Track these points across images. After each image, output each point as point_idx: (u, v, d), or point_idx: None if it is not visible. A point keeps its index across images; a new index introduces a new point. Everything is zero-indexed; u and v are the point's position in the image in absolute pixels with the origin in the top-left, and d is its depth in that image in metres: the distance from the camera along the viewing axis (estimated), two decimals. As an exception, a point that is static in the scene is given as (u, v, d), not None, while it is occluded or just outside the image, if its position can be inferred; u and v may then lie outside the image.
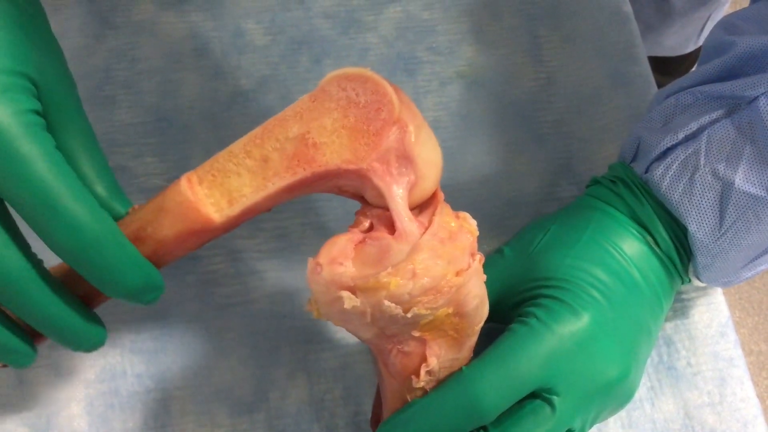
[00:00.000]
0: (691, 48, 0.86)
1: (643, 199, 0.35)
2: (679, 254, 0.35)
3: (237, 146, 0.29)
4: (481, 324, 0.30)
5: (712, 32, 0.37)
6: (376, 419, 0.34)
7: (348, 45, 0.45)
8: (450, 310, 0.28)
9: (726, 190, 0.33)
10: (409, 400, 0.30)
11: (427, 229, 0.28)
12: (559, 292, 0.32)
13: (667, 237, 0.34)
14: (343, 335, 0.38)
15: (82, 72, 0.43)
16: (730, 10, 1.06)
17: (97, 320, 0.29)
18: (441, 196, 0.29)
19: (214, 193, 0.29)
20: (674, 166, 0.34)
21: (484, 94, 0.44)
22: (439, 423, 0.29)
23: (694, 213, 0.33)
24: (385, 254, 0.27)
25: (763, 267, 0.35)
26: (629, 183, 0.35)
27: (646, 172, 0.35)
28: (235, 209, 0.29)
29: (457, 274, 0.27)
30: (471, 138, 0.43)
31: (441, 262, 0.27)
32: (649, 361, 0.38)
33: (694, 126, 0.34)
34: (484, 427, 0.30)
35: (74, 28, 0.44)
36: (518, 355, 0.30)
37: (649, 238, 0.35)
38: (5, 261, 0.26)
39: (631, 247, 0.34)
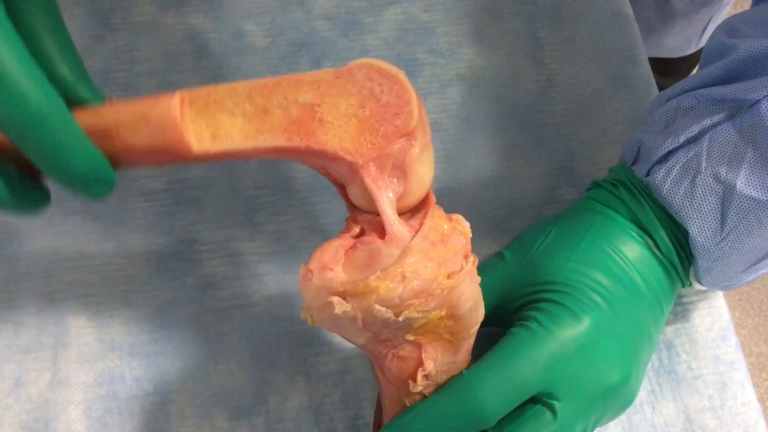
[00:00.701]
0: (692, 49, 0.85)
1: (644, 203, 0.35)
2: (680, 258, 0.35)
3: (242, 86, 0.27)
4: (477, 326, 0.30)
5: (713, 35, 0.37)
6: (377, 424, 0.34)
7: (348, 47, 0.45)
8: (443, 313, 0.28)
9: (727, 193, 0.32)
10: (408, 404, 0.30)
11: (417, 232, 0.27)
12: (560, 296, 0.32)
13: (668, 240, 0.34)
14: (343, 339, 0.38)
15: (81, 74, 0.43)
16: (732, 12, 1.06)
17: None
18: (432, 199, 0.29)
19: (201, 121, 0.27)
20: (675, 170, 0.34)
21: (485, 96, 0.44)
22: (440, 427, 0.29)
23: (695, 216, 0.33)
24: (376, 258, 0.27)
25: (764, 271, 0.35)
26: (630, 186, 0.35)
27: (647, 175, 0.35)
28: (216, 147, 0.27)
29: (449, 276, 0.27)
30: (471, 140, 0.43)
31: (431, 265, 0.27)
32: (649, 364, 0.38)
33: (695, 129, 0.34)
34: None
35: (73, 29, 0.44)
36: (519, 360, 0.30)
37: (650, 241, 0.34)
38: (36, 91, 0.24)
39: (632, 250, 0.34)
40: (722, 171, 0.32)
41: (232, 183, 0.41)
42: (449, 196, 0.41)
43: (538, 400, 0.30)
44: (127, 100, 0.27)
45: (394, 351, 0.29)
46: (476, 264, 0.29)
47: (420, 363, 0.29)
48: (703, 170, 0.33)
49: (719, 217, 0.33)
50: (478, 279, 0.29)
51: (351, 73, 0.28)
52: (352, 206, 0.29)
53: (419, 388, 0.29)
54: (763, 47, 0.33)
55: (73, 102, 0.27)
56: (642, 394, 0.38)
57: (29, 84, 0.24)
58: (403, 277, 0.26)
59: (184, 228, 0.40)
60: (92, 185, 0.26)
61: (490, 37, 0.45)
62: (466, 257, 0.28)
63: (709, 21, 0.78)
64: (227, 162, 0.41)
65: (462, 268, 0.28)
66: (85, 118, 0.26)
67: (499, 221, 0.41)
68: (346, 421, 0.37)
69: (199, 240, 0.40)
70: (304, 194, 0.41)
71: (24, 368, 0.37)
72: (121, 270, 0.39)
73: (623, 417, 0.37)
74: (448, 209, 0.31)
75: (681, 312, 0.40)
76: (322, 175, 0.30)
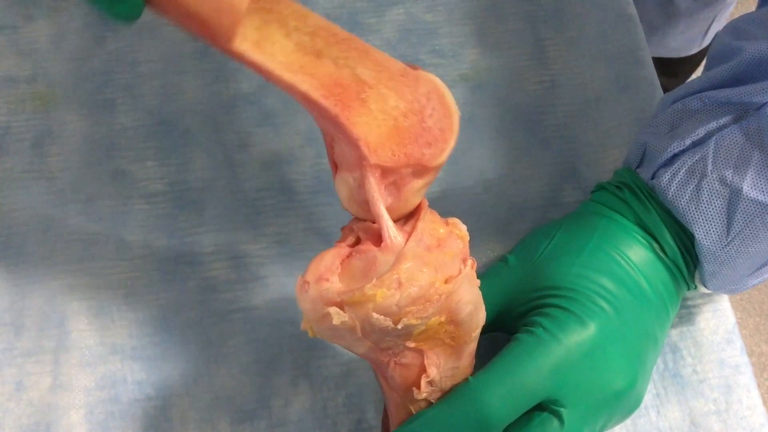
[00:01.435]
0: (695, 49, 0.85)
1: (649, 206, 0.34)
2: (686, 261, 0.35)
3: (313, 18, 0.26)
4: (479, 330, 0.30)
5: (719, 36, 0.37)
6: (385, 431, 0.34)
7: (350, 48, 0.44)
8: (443, 319, 0.27)
9: (733, 197, 0.32)
10: (414, 411, 0.30)
11: (410, 236, 0.27)
12: (566, 301, 0.32)
13: (673, 244, 0.34)
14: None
15: (81, 75, 0.43)
16: (736, 12, 1.06)
17: None
18: (425, 203, 0.29)
19: (254, 20, 0.25)
20: (681, 173, 0.33)
21: (488, 97, 0.44)
22: None
23: (701, 220, 0.33)
24: (372, 267, 0.26)
25: (770, 274, 0.35)
26: (635, 189, 0.35)
27: (652, 178, 0.35)
28: (254, 55, 0.25)
29: (447, 281, 0.27)
30: (474, 142, 0.43)
31: (428, 270, 0.26)
32: (654, 368, 0.38)
33: (701, 132, 0.33)
34: None
35: (74, 30, 0.44)
36: (526, 366, 0.29)
37: (655, 244, 0.34)
38: None
39: (637, 254, 0.34)
40: (728, 174, 0.32)
41: (234, 185, 0.41)
42: (452, 198, 0.41)
43: (544, 408, 0.30)
44: None
45: (395, 359, 0.29)
46: (475, 267, 0.29)
47: (423, 370, 0.29)
48: (709, 173, 0.33)
49: (725, 220, 0.33)
50: (477, 282, 0.29)
51: (416, 80, 0.27)
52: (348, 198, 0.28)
53: (424, 395, 0.29)
54: (770, 50, 0.33)
55: None
56: (647, 398, 0.38)
57: None
58: (399, 284, 0.26)
59: (185, 231, 0.40)
60: (117, 2, 0.25)
61: (493, 37, 0.45)
62: (464, 261, 0.28)
63: (713, 21, 0.78)
64: (229, 164, 0.41)
65: (460, 272, 0.27)
66: None
67: (502, 224, 0.41)
68: (350, 424, 0.37)
69: (200, 243, 0.40)
70: (307, 197, 0.41)
71: (25, 372, 0.37)
72: (122, 273, 0.39)
73: (628, 421, 0.37)
74: (451, 211, 0.31)
75: (686, 315, 0.39)
76: (325, 158, 0.28)
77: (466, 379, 0.30)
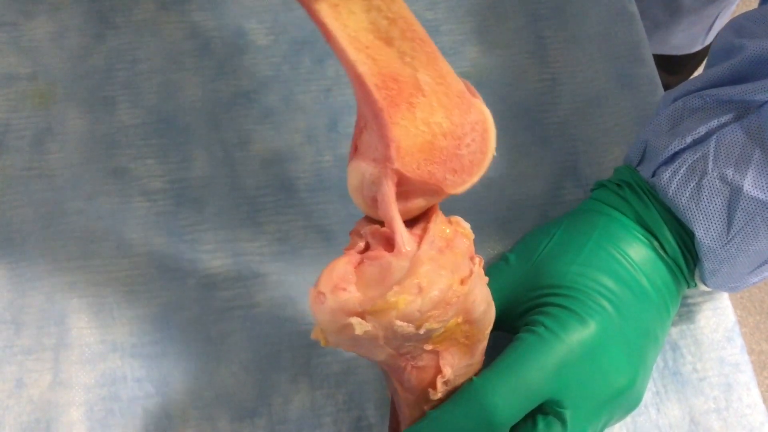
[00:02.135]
0: (698, 47, 0.85)
1: (649, 204, 0.34)
2: (686, 259, 0.34)
3: (397, 5, 0.25)
4: (491, 327, 0.30)
5: (721, 34, 0.37)
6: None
7: (351, 45, 0.44)
8: (459, 320, 0.27)
9: (734, 195, 0.32)
10: (427, 410, 0.30)
11: (422, 239, 0.26)
12: (566, 300, 0.32)
13: (673, 242, 0.34)
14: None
15: (81, 72, 0.43)
16: (738, 10, 1.06)
17: None
18: (436, 205, 0.28)
19: None
20: (682, 171, 0.33)
21: (489, 95, 0.44)
22: None
23: (701, 218, 0.33)
24: (387, 273, 0.26)
25: (770, 272, 0.35)
26: (635, 187, 0.35)
27: (652, 176, 0.35)
28: (326, 18, 0.24)
29: (462, 282, 0.27)
30: (475, 140, 0.42)
31: (445, 273, 0.26)
32: (654, 366, 0.38)
33: (702, 130, 0.33)
34: None
35: (74, 27, 0.44)
36: (529, 365, 0.29)
37: (655, 243, 0.34)
38: None
39: (637, 252, 0.34)
40: (729, 172, 0.32)
41: (234, 183, 0.41)
42: (452, 196, 0.41)
43: (547, 411, 0.30)
44: None
45: (412, 362, 0.28)
46: (482, 264, 0.29)
47: (438, 370, 0.29)
48: (710, 172, 0.32)
49: (725, 219, 0.32)
50: (486, 279, 0.29)
51: (469, 106, 0.26)
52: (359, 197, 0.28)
53: (439, 395, 0.29)
54: (772, 48, 0.32)
55: None
56: (647, 396, 0.38)
57: None
58: (420, 289, 0.25)
59: (185, 228, 0.40)
60: None
61: (494, 35, 0.45)
62: (471, 259, 0.28)
63: (716, 18, 0.78)
64: (229, 162, 0.41)
65: (471, 272, 0.27)
66: None
67: (503, 221, 0.41)
68: (350, 422, 0.37)
69: (200, 240, 0.40)
70: (307, 194, 0.41)
71: (25, 369, 0.37)
72: (122, 270, 0.39)
73: (628, 419, 0.37)
74: (452, 209, 0.31)
75: (686, 313, 0.39)
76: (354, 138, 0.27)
77: (470, 380, 0.30)
